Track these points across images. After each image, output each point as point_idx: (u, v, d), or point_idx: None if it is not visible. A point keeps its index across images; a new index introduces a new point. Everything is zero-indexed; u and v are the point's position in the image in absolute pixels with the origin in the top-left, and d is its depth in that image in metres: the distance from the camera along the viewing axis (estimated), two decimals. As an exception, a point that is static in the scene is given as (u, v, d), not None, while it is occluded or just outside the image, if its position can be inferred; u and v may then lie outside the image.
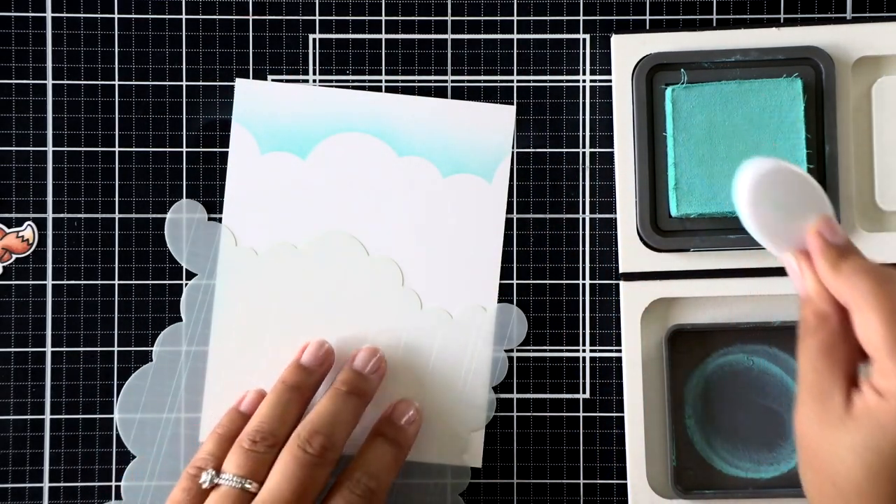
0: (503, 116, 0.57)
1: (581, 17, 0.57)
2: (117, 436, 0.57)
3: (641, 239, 0.55)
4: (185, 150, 0.57)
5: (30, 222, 0.57)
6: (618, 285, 0.57)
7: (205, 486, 0.51)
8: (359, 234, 0.57)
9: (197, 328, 0.57)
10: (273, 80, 0.57)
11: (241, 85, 0.57)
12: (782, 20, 0.57)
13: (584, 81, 0.57)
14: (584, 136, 0.57)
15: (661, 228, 0.55)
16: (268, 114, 0.57)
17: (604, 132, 0.57)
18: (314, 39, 0.58)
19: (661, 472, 0.56)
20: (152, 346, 0.57)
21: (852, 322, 0.44)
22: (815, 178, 0.47)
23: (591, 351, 0.57)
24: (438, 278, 0.57)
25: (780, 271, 0.56)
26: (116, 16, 0.57)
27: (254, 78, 0.57)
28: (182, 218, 0.57)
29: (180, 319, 0.57)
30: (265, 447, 0.52)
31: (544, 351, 0.57)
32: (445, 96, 0.57)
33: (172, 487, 0.52)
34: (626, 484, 0.56)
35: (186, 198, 0.57)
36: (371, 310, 0.57)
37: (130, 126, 0.57)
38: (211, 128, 0.57)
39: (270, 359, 0.56)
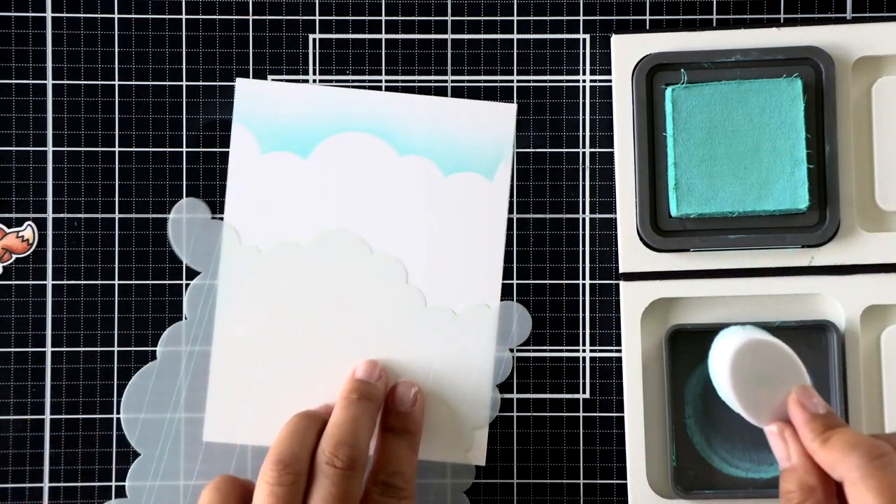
0: (504, 115, 0.57)
1: (581, 17, 0.57)
2: (117, 436, 0.57)
3: (641, 239, 0.55)
4: (185, 150, 0.57)
5: (30, 222, 0.57)
6: (618, 285, 0.57)
7: None
8: (361, 233, 0.57)
9: (200, 327, 0.57)
10: (273, 80, 0.57)
11: (241, 84, 0.57)
12: (782, 20, 0.57)
13: (584, 81, 0.57)
14: (584, 136, 0.57)
15: (661, 228, 0.55)
16: (269, 113, 0.57)
17: (604, 132, 0.57)
18: (314, 39, 0.58)
19: (661, 472, 0.56)
20: (152, 345, 0.57)
21: (847, 497, 0.45)
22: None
23: (592, 351, 0.57)
24: (442, 277, 0.57)
25: (780, 271, 0.56)
26: (116, 16, 0.57)
27: (254, 78, 0.57)
28: (183, 218, 0.57)
29: (181, 319, 0.57)
30: (345, 460, 0.50)
31: (544, 351, 0.57)
32: (445, 96, 0.57)
33: (174, 487, 0.52)
34: (626, 484, 0.56)
35: (186, 198, 0.57)
36: (375, 308, 0.57)
37: (130, 126, 0.57)
38: (211, 128, 0.57)
39: (274, 357, 0.57)
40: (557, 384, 0.57)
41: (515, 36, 0.57)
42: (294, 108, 0.57)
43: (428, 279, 0.57)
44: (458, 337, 0.57)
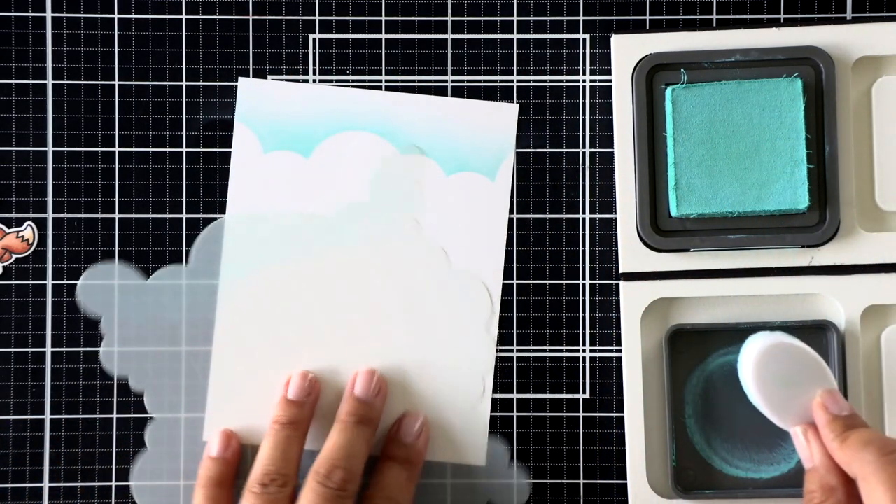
0: (506, 114, 0.57)
1: (581, 17, 0.57)
2: (117, 436, 0.57)
3: (641, 239, 0.56)
4: (185, 150, 0.57)
5: (30, 222, 0.57)
6: (618, 285, 0.57)
7: None
8: (362, 233, 0.57)
9: (198, 329, 0.57)
10: (273, 80, 0.57)
11: (243, 84, 0.57)
12: (782, 20, 0.57)
13: (584, 81, 0.57)
14: (584, 136, 0.57)
15: (661, 228, 0.55)
16: (271, 113, 0.57)
17: (604, 132, 0.57)
18: (314, 39, 0.58)
19: (661, 472, 0.56)
20: (152, 346, 0.57)
21: (860, 492, 0.46)
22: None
23: (591, 351, 0.57)
24: (442, 276, 0.57)
25: (780, 271, 0.56)
26: (116, 16, 0.57)
27: (254, 78, 0.57)
28: (99, 284, 0.57)
29: (180, 320, 0.57)
30: (276, 487, 0.52)
31: (544, 351, 0.57)
32: (445, 96, 0.57)
33: (172, 487, 0.52)
34: (626, 484, 0.56)
35: (187, 198, 0.57)
36: (374, 308, 0.57)
37: (130, 126, 0.57)
38: (211, 128, 0.57)
39: (274, 357, 0.57)
40: (557, 384, 0.57)
41: (515, 36, 0.58)
42: (296, 108, 0.57)
43: (428, 279, 0.57)
44: (458, 337, 0.57)
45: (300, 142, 0.57)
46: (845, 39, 0.55)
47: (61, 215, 0.57)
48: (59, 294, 0.57)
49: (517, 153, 0.57)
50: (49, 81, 0.57)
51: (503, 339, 0.57)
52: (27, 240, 0.57)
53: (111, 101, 0.57)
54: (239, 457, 0.56)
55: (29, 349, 0.57)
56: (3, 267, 0.57)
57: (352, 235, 0.57)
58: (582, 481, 0.57)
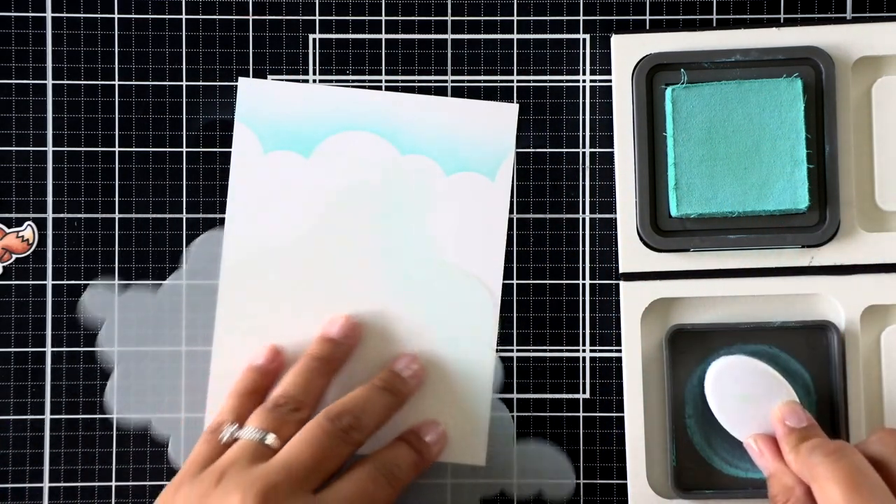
0: (506, 114, 0.57)
1: (581, 17, 0.57)
2: (117, 436, 0.57)
3: (641, 239, 0.56)
4: (185, 150, 0.57)
5: (30, 222, 0.57)
6: (618, 285, 0.57)
7: (224, 439, 0.52)
8: (362, 233, 0.57)
9: (198, 328, 0.57)
10: (273, 80, 0.57)
11: (243, 84, 0.57)
12: (782, 20, 0.57)
13: (584, 81, 0.57)
14: (584, 136, 0.57)
15: (661, 228, 0.55)
16: (271, 113, 0.57)
17: (604, 132, 0.57)
18: (314, 39, 0.58)
19: (661, 472, 0.56)
20: (152, 345, 0.57)
21: (815, 497, 0.48)
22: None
23: (591, 351, 0.57)
24: (443, 276, 0.57)
25: (780, 271, 0.56)
26: (116, 16, 0.57)
27: (254, 78, 0.57)
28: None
29: (180, 319, 0.57)
30: (288, 410, 0.52)
31: (544, 351, 0.57)
32: (445, 96, 0.57)
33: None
34: (626, 484, 0.56)
35: (187, 198, 0.57)
36: (373, 306, 0.57)
37: (130, 126, 0.57)
38: (211, 128, 0.57)
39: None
40: (557, 384, 0.57)
41: (515, 36, 0.58)
42: (296, 108, 0.57)
43: (429, 279, 0.57)
44: (458, 337, 0.57)
45: (300, 142, 0.57)
46: (845, 39, 0.55)
47: (61, 215, 0.57)
48: (59, 294, 0.57)
49: (517, 153, 0.57)
50: (49, 81, 0.57)
51: (503, 339, 0.57)
52: (27, 240, 0.57)
53: (111, 101, 0.57)
54: (280, 372, 0.55)
55: (29, 349, 0.57)
56: (3, 267, 0.57)
57: (352, 236, 0.57)
58: (582, 481, 0.57)
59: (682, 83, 0.55)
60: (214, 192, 0.57)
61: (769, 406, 0.53)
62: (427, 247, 0.57)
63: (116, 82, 0.57)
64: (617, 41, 0.56)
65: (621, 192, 0.56)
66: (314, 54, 0.58)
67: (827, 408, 0.55)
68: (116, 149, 0.57)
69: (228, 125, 0.57)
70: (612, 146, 0.57)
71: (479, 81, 0.57)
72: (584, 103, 0.57)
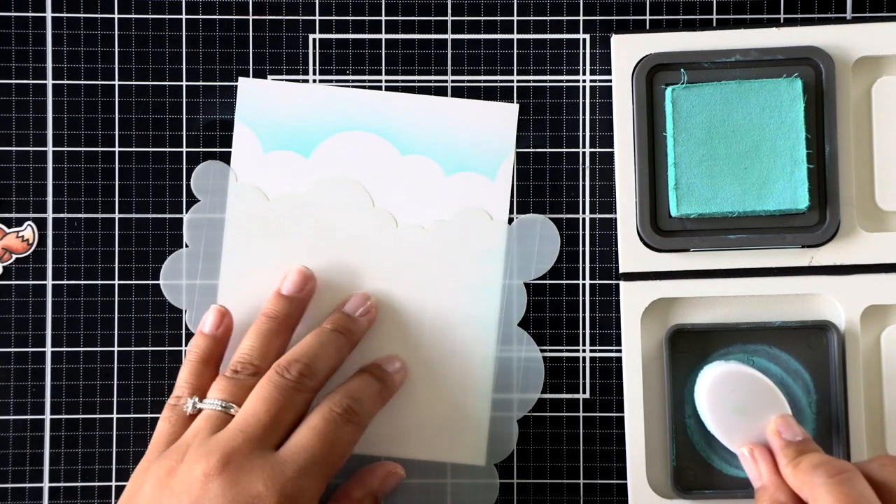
0: (506, 114, 0.57)
1: (581, 17, 0.57)
2: (117, 436, 0.57)
3: (641, 239, 0.56)
4: (185, 150, 0.57)
5: (30, 222, 0.57)
6: (618, 285, 0.57)
7: (188, 411, 0.52)
8: (361, 234, 0.57)
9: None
10: (273, 80, 0.57)
11: (244, 84, 0.57)
12: (782, 20, 0.57)
13: (584, 81, 0.57)
14: (584, 136, 0.57)
15: (661, 228, 0.55)
16: (271, 113, 0.57)
17: (604, 132, 0.57)
18: (314, 39, 0.58)
19: (661, 472, 0.56)
20: (152, 346, 0.57)
21: None
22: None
23: (591, 351, 0.57)
24: (443, 275, 0.57)
25: (780, 271, 0.56)
26: (116, 16, 0.57)
27: (254, 78, 0.57)
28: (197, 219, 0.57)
29: (181, 320, 0.57)
30: (246, 375, 0.53)
31: (544, 351, 0.57)
32: (445, 96, 0.57)
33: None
34: (626, 484, 0.56)
35: (186, 198, 0.57)
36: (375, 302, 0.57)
37: (130, 126, 0.57)
38: (211, 128, 0.57)
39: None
40: (557, 384, 0.57)
41: (515, 36, 0.58)
42: (296, 108, 0.57)
43: (429, 277, 0.57)
44: (458, 337, 0.57)
45: (300, 142, 0.57)
46: (845, 39, 0.55)
47: (61, 215, 0.57)
48: (59, 294, 0.57)
49: (517, 153, 0.57)
50: (49, 81, 0.57)
51: (504, 338, 0.57)
52: (27, 240, 0.57)
53: (111, 101, 0.57)
54: (229, 336, 0.56)
55: (29, 349, 0.57)
56: (3, 267, 0.57)
57: (351, 236, 0.57)
58: (582, 481, 0.57)
59: (682, 83, 0.55)
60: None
61: (762, 416, 0.52)
62: (426, 247, 0.57)
63: (116, 82, 0.57)
64: (617, 41, 0.56)
65: (621, 192, 0.56)
66: (314, 54, 0.58)
67: (827, 408, 0.55)
68: (116, 149, 0.57)
69: (228, 125, 0.57)
70: (612, 146, 0.57)
71: (479, 81, 0.57)
72: (584, 103, 0.57)
